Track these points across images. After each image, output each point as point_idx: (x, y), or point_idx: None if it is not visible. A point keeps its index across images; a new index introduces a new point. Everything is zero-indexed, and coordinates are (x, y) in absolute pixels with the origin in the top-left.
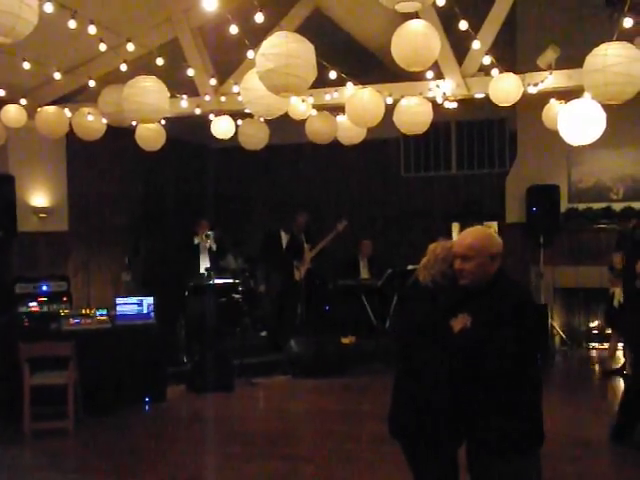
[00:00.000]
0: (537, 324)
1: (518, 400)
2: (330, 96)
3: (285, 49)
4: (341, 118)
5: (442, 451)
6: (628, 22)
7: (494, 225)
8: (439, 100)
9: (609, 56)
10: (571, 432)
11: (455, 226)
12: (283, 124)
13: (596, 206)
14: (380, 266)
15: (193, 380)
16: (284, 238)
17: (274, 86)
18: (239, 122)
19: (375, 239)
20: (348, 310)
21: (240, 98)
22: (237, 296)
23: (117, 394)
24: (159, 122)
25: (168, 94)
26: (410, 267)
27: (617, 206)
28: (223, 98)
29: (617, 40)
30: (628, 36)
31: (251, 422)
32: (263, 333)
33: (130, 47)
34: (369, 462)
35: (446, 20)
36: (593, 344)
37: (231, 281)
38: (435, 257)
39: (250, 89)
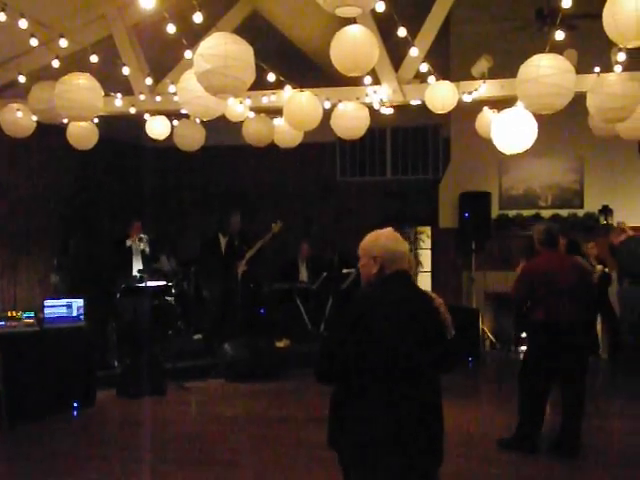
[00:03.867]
0: (343, 318)
1: (348, 403)
2: (268, 99)
3: (223, 50)
4: (278, 121)
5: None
6: (560, 35)
7: (427, 230)
8: (376, 106)
9: (542, 67)
10: (496, 434)
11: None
12: (220, 125)
13: (526, 213)
14: (316, 269)
15: (124, 384)
16: (222, 241)
17: (212, 87)
18: (175, 122)
19: (310, 242)
20: (283, 313)
21: (176, 98)
22: (170, 299)
23: (44, 399)
24: (92, 120)
25: (102, 92)
26: (345, 270)
27: (545, 213)
28: (158, 98)
29: (548, 52)
30: (558, 48)
31: (183, 427)
32: (197, 336)
33: (63, 43)
34: (303, 467)
35: (383, 27)
36: (522, 347)
37: (164, 283)
38: None
39: (187, 89)
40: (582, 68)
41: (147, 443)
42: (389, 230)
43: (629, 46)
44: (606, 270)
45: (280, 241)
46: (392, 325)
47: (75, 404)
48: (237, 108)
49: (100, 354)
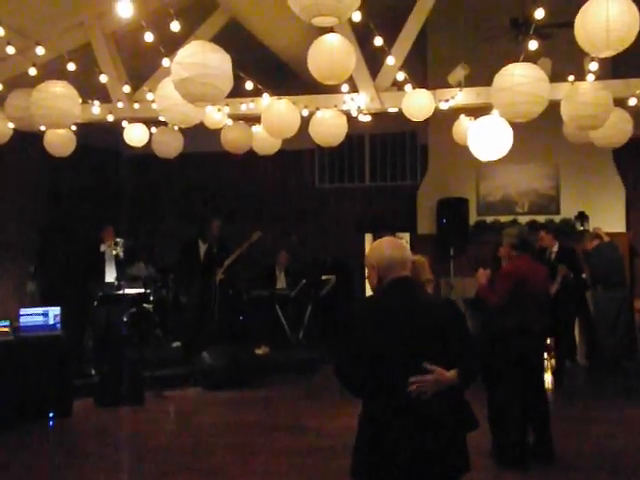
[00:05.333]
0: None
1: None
2: (246, 106)
3: (201, 58)
4: (257, 128)
5: None
6: (533, 45)
7: (406, 236)
8: (353, 113)
9: (516, 76)
10: (476, 442)
11: (368, 237)
12: (198, 132)
13: (503, 219)
14: (295, 276)
15: (101, 393)
16: (202, 247)
17: (190, 95)
18: (153, 129)
19: (289, 249)
20: (262, 320)
21: (154, 105)
22: (148, 306)
23: (19, 409)
24: (69, 127)
25: (79, 99)
26: (324, 277)
27: (522, 219)
28: (137, 105)
29: (523, 61)
30: (533, 57)
31: (161, 436)
32: (175, 344)
33: (40, 51)
34: (282, 475)
35: (360, 35)
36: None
37: (142, 291)
38: None
39: (165, 97)
40: (557, 76)
41: (124, 453)
42: (388, 238)
43: (600, 56)
44: (583, 276)
45: (259, 248)
46: (382, 334)
47: (51, 414)
48: (215, 115)
49: (77, 363)
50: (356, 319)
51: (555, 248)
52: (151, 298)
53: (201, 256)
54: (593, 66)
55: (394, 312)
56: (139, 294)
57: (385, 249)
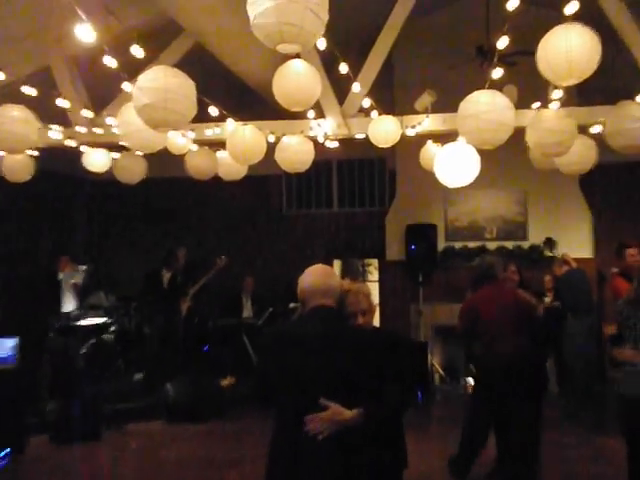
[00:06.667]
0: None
1: None
2: (211, 131)
3: (163, 84)
4: (222, 154)
5: None
6: (497, 73)
7: (374, 262)
8: (320, 139)
9: (481, 103)
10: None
11: (336, 263)
12: (162, 158)
13: (471, 244)
14: (262, 304)
15: (57, 429)
16: (165, 276)
17: (152, 121)
18: (114, 154)
19: (256, 276)
20: (228, 350)
21: (116, 130)
22: (109, 337)
23: None
24: (27, 152)
25: (37, 124)
26: (291, 305)
27: (491, 245)
28: (98, 130)
29: (488, 88)
30: (498, 84)
31: (120, 473)
32: (137, 376)
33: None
34: None
35: (327, 62)
36: (470, 379)
37: (102, 321)
38: None
39: (127, 122)
40: (523, 103)
41: None
42: (318, 265)
43: (562, 84)
44: (555, 304)
45: (226, 275)
46: (285, 362)
47: (4, 452)
48: (179, 141)
49: (32, 398)
50: (265, 345)
51: None
52: (112, 328)
53: (164, 285)
54: (556, 94)
55: (300, 341)
56: (99, 324)
57: (309, 277)
